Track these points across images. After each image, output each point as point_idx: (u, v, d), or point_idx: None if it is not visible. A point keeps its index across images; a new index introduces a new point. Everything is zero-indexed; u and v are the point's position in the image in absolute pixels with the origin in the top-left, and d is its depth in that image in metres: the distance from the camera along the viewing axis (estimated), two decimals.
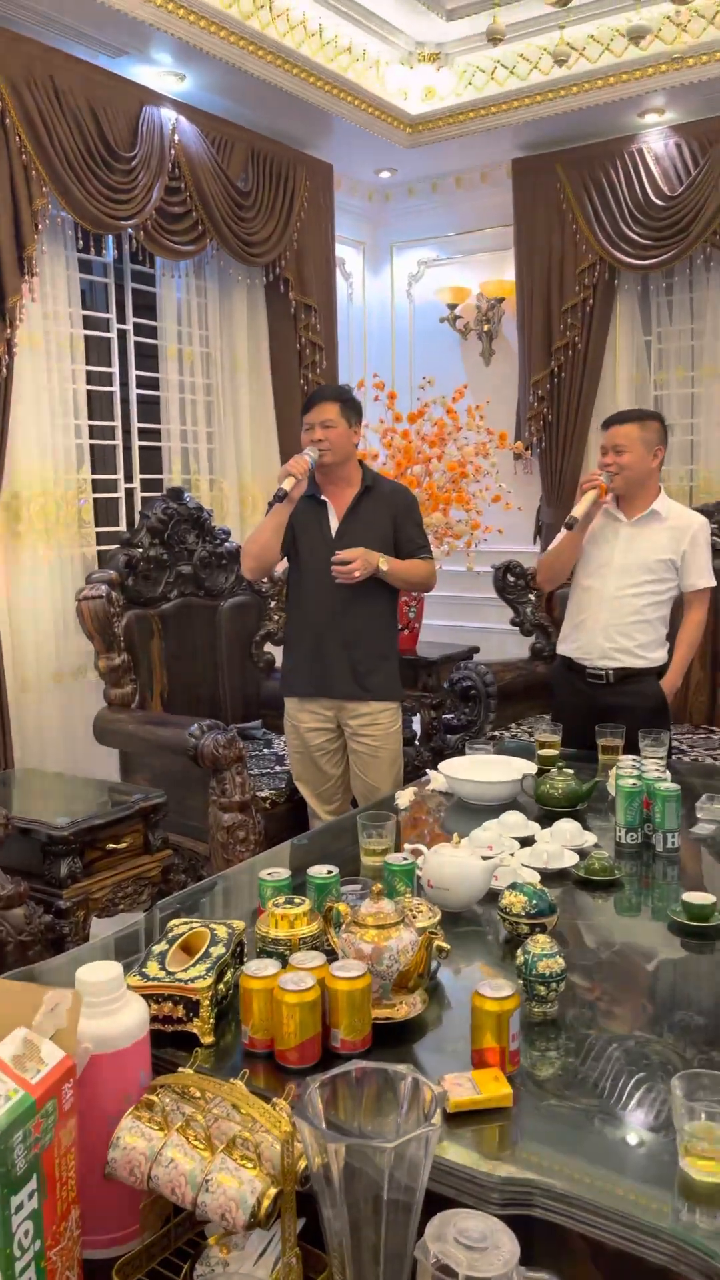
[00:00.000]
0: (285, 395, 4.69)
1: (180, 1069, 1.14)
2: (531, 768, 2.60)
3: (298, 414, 3.71)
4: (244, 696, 4.19)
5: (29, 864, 2.67)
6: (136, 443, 4.28)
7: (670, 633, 3.10)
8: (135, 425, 4.27)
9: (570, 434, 4.90)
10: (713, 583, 3.07)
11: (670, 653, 3.08)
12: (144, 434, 4.31)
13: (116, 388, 4.14)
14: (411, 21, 4.35)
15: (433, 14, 4.28)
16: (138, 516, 3.96)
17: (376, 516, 3.08)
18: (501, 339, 5.26)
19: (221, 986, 1.42)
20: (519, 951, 1.48)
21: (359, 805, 3.10)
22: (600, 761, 2.76)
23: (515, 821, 2.24)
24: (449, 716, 4.01)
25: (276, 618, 4.27)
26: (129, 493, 4.26)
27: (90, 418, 3.97)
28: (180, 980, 1.38)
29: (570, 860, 2.05)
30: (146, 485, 4.32)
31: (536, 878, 1.90)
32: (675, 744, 3.64)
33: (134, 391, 4.25)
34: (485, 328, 5.25)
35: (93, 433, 4.01)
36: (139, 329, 4.25)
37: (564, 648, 3.18)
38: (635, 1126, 1.24)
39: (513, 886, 1.71)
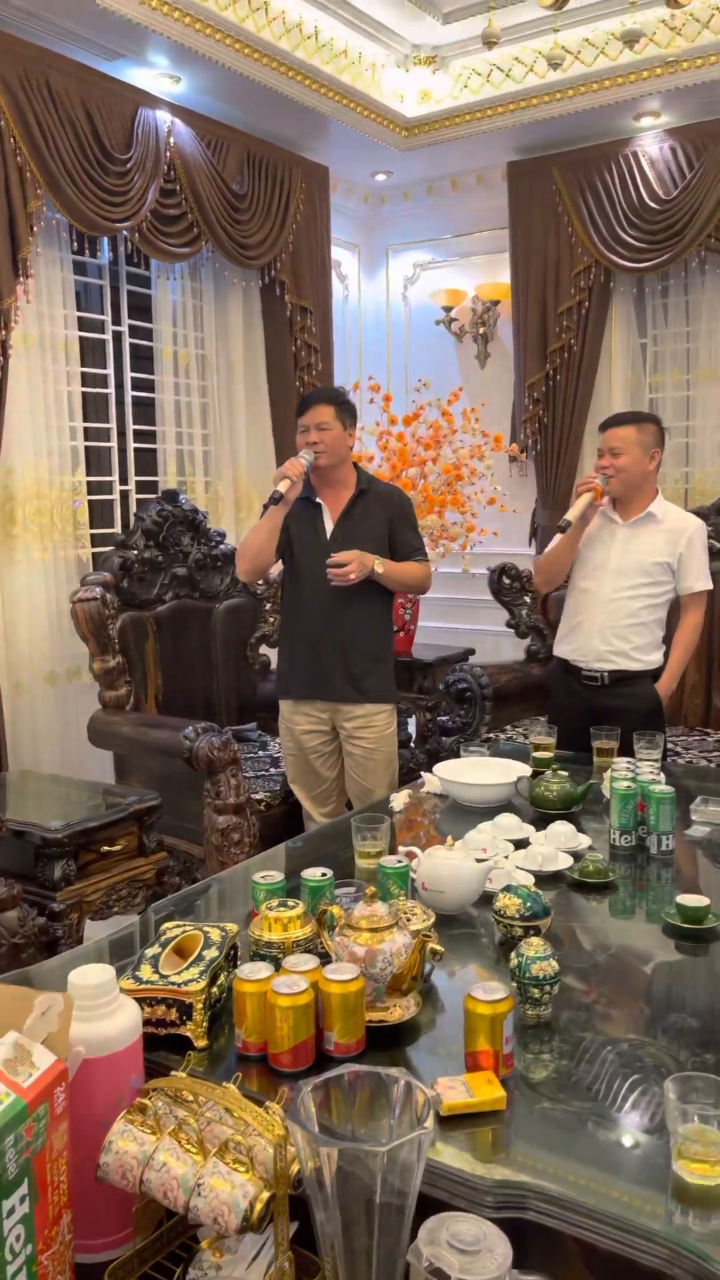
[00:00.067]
0: (281, 397, 4.70)
1: (173, 1072, 1.13)
2: (526, 770, 2.60)
3: (293, 416, 3.72)
4: (239, 699, 4.19)
5: (23, 866, 2.66)
6: (131, 445, 4.28)
7: (667, 635, 3.10)
8: (130, 427, 4.27)
9: (566, 436, 4.90)
10: (709, 586, 3.07)
11: (666, 655, 3.08)
12: (139, 436, 4.31)
13: (112, 390, 4.14)
14: (407, 24, 4.36)
15: (428, 17, 4.29)
16: (133, 518, 3.96)
17: (372, 519, 3.08)
18: (497, 341, 5.27)
19: (215, 990, 1.42)
20: (513, 954, 1.48)
21: (354, 807, 3.10)
22: (595, 764, 2.76)
23: (510, 824, 2.24)
24: (444, 719, 4.01)
25: (272, 620, 4.28)
26: (124, 495, 4.26)
27: (85, 420, 3.98)
28: (173, 983, 1.38)
29: (565, 863, 2.05)
30: (141, 487, 4.32)
31: (531, 880, 1.90)
32: (670, 746, 3.65)
33: (129, 394, 4.24)
34: (481, 330, 5.26)
35: (88, 435, 4.01)
36: (134, 331, 4.25)
37: (560, 649, 3.18)
38: (629, 1129, 1.24)
39: (507, 889, 1.71)
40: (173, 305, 4.32)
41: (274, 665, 4.00)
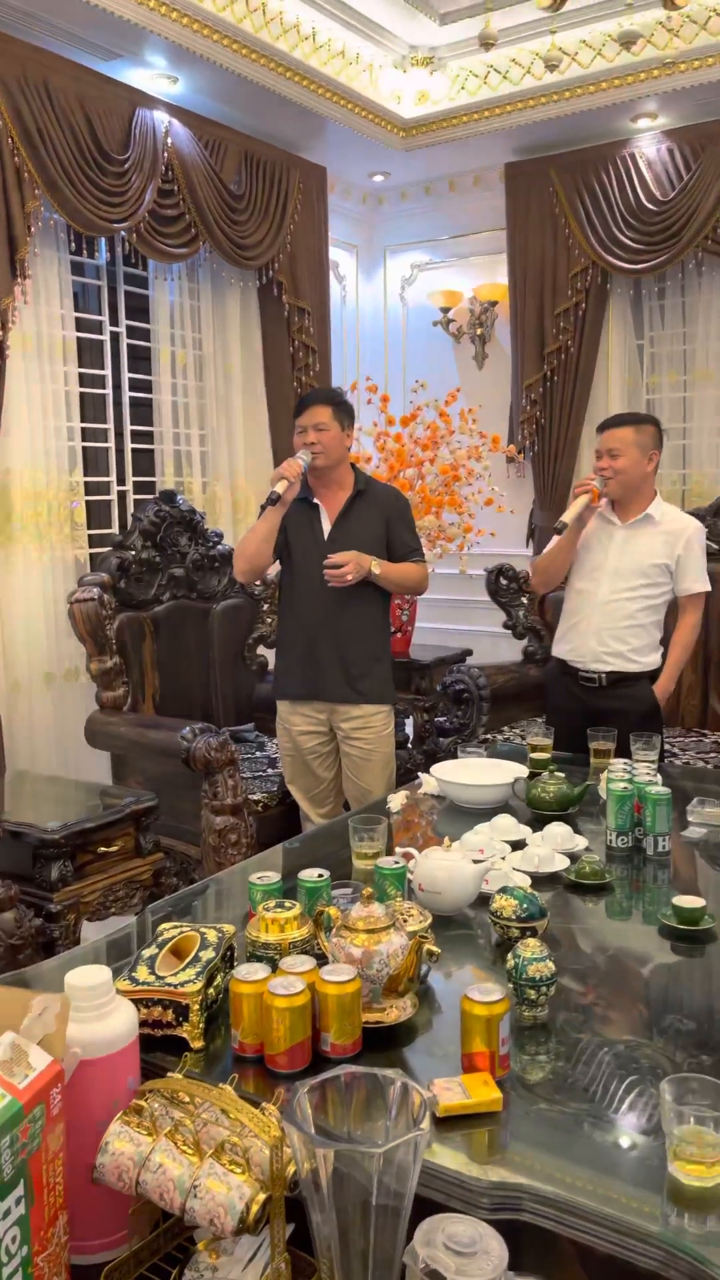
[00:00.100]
0: (278, 398, 4.70)
1: (169, 1074, 1.14)
2: (523, 771, 2.60)
3: (290, 417, 3.71)
4: (236, 699, 4.19)
5: (19, 867, 2.66)
6: (129, 445, 4.28)
7: (665, 637, 3.11)
8: (128, 428, 4.27)
9: (563, 437, 4.91)
10: (707, 587, 3.07)
11: (664, 656, 3.09)
12: (136, 436, 4.31)
13: (109, 390, 4.13)
14: (405, 25, 4.36)
15: (426, 18, 4.30)
16: (130, 519, 3.96)
17: (369, 519, 3.08)
18: (494, 342, 5.27)
19: (211, 991, 1.42)
20: (509, 955, 1.48)
21: (351, 808, 3.10)
22: (592, 765, 2.76)
23: (506, 825, 2.25)
24: (441, 719, 4.01)
25: (269, 620, 4.28)
26: (121, 495, 4.26)
27: (83, 420, 3.97)
28: (170, 985, 1.38)
29: (561, 864, 2.05)
30: (139, 488, 4.31)
31: (527, 881, 1.90)
32: (667, 747, 3.65)
33: (126, 394, 4.24)
34: (478, 331, 5.26)
35: (85, 435, 4.01)
36: (132, 331, 4.24)
37: (558, 650, 3.18)
38: (625, 1131, 1.24)
39: (503, 890, 1.71)
40: (170, 306, 4.32)
41: (271, 666, 4.00)
